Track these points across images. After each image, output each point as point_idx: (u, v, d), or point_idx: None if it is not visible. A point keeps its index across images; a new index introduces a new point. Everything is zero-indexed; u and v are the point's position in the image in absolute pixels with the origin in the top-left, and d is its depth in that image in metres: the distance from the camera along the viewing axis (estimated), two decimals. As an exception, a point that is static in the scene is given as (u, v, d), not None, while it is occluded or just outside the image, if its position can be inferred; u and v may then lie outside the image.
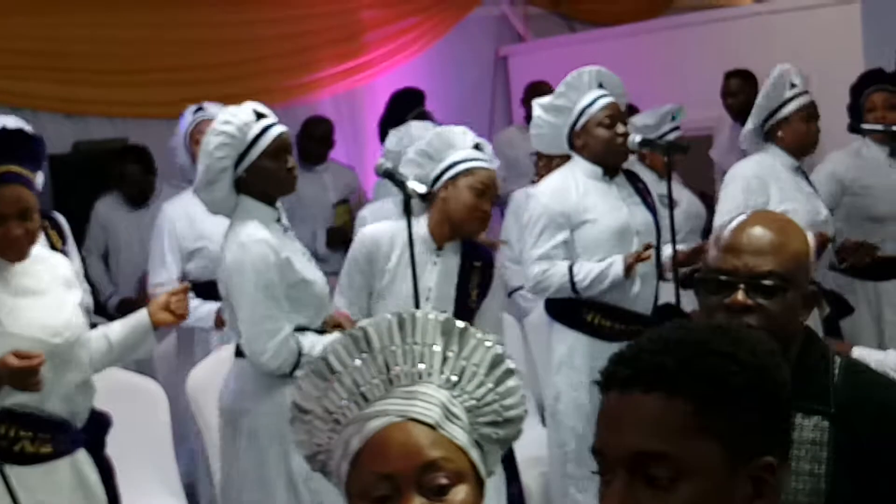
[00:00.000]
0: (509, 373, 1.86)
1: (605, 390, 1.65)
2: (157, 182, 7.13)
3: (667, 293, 4.92)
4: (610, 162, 4.84)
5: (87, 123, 7.83)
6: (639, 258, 4.69)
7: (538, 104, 4.96)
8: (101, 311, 6.75)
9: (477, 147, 4.42)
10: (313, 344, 4.13)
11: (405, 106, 7.53)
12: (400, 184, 4.15)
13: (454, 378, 1.83)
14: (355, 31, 9.10)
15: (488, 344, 1.86)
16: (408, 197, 4.10)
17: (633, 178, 5.00)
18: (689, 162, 6.76)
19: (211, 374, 4.76)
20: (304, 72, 8.80)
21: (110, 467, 3.93)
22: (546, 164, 6.31)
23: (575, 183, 4.83)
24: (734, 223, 2.46)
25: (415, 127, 5.36)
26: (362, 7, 9.13)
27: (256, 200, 4.17)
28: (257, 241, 4.10)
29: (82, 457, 3.83)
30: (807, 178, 5.49)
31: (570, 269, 4.76)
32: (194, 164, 5.36)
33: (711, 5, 9.99)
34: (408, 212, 4.10)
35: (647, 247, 4.72)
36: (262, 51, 8.54)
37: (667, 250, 4.85)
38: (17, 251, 3.69)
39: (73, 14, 7.65)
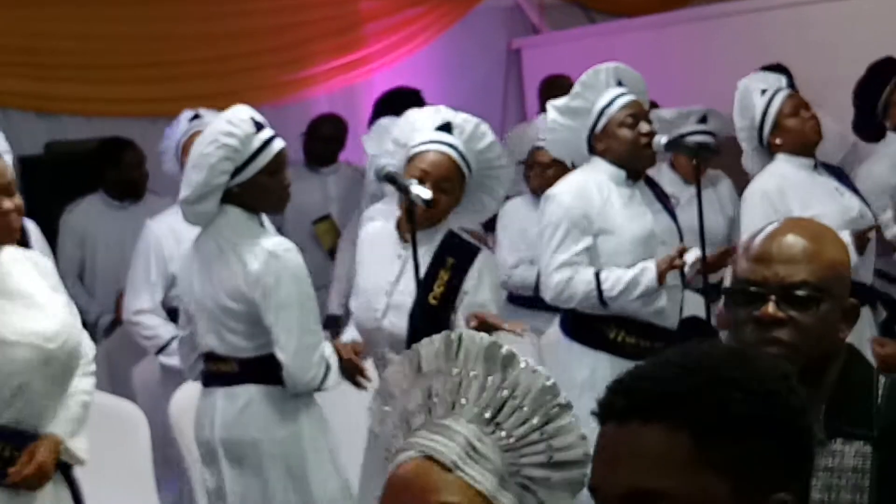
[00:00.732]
0: (561, 409, 1.84)
1: (601, 422, 1.64)
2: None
3: (692, 305, 4.91)
4: (636, 165, 4.82)
5: (61, 122, 7.82)
6: (672, 264, 4.67)
7: (553, 106, 4.95)
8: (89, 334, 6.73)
9: (445, 128, 4.41)
10: (330, 354, 4.26)
11: (397, 110, 7.45)
12: (404, 189, 4.15)
13: (488, 414, 1.80)
14: (353, 22, 9.08)
15: (536, 374, 1.83)
16: (411, 203, 4.10)
17: (650, 183, 4.98)
18: (719, 166, 6.77)
19: (198, 397, 4.75)
20: (298, 67, 8.79)
21: (78, 490, 3.92)
22: (539, 173, 6.30)
23: (597, 186, 4.80)
24: (765, 231, 2.46)
25: (385, 122, 5.39)
26: (361, -3, 9.14)
27: (244, 211, 4.24)
28: (288, 249, 4.19)
29: (58, 477, 3.83)
30: (834, 174, 5.48)
31: (597, 276, 4.73)
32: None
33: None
34: (412, 220, 4.11)
35: (682, 251, 4.70)
36: (251, 45, 8.52)
37: (689, 256, 4.82)
38: (8, 229, 3.66)
39: (47, 6, 7.64)
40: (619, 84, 4.86)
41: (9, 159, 5.07)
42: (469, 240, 4.48)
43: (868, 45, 7.18)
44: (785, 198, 5.27)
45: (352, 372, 4.28)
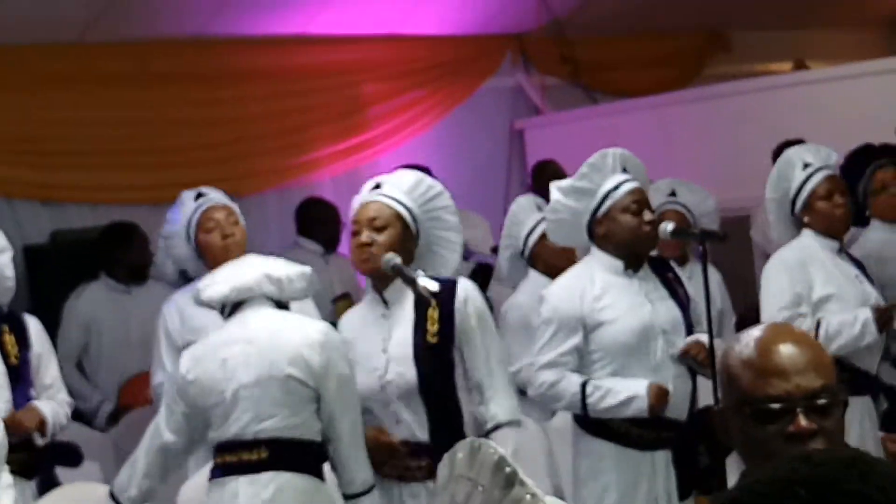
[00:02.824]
0: None
1: None
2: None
3: (706, 394, 4.89)
4: (635, 251, 4.81)
5: (65, 211, 7.84)
6: (664, 398, 4.66)
7: (556, 187, 4.94)
8: (88, 423, 6.74)
9: (377, 186, 4.48)
10: None
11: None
12: (410, 281, 4.17)
13: None
14: (356, 106, 9.14)
15: (534, 500, 1.80)
16: (419, 295, 4.13)
17: (663, 268, 4.97)
18: (725, 245, 6.79)
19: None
20: (301, 151, 8.84)
21: None
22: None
23: (591, 280, 4.80)
24: (758, 342, 2.42)
25: None
26: (363, 80, 9.18)
27: None
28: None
29: None
30: (854, 261, 5.50)
31: (583, 387, 4.74)
32: (199, 255, 5.44)
33: (745, 74, 10.08)
34: (425, 304, 4.14)
35: (692, 349, 4.73)
36: (255, 130, 8.58)
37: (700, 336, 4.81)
38: None
39: (49, 93, 7.70)
40: (624, 170, 4.87)
41: (7, 257, 5.12)
42: (440, 276, 4.48)
43: (878, 124, 7.24)
44: (806, 272, 5.26)
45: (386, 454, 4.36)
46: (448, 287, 4.38)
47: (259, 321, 4.31)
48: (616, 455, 4.72)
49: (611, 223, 4.78)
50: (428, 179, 4.55)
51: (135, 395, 6.79)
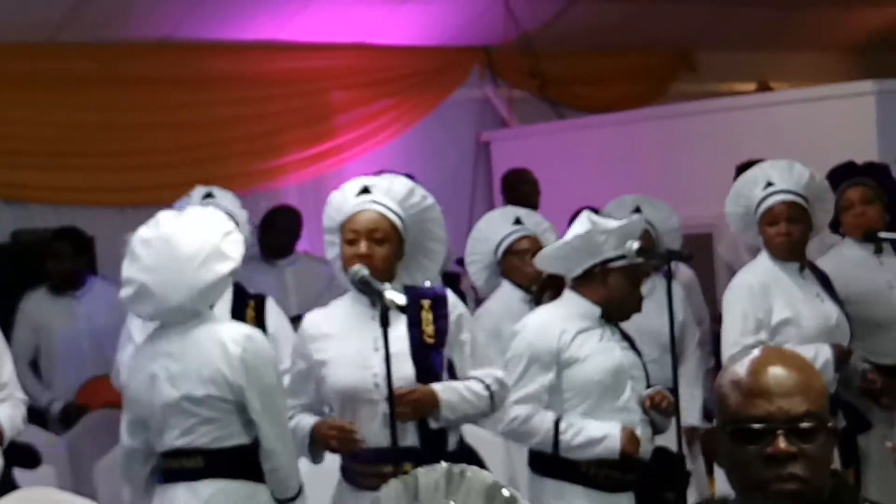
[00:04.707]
0: None
1: None
2: (94, 269, 7.07)
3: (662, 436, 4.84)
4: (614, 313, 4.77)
5: (28, 211, 7.76)
6: (635, 442, 4.60)
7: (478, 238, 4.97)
8: (41, 421, 6.64)
9: (364, 191, 4.38)
10: None
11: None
12: (377, 294, 4.09)
13: None
14: (324, 113, 9.08)
15: None
16: (385, 308, 4.04)
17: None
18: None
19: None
20: (269, 156, 8.77)
21: None
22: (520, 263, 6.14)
23: (564, 321, 4.72)
24: (750, 364, 2.40)
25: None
26: (332, 88, 9.13)
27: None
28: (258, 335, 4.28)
29: None
30: (819, 277, 5.44)
31: (557, 423, 4.66)
32: None
33: (710, 94, 10.06)
34: (384, 323, 4.04)
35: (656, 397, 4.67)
36: (222, 134, 8.51)
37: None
38: None
39: (17, 92, 7.60)
40: (637, 210, 4.80)
41: None
42: (431, 284, 4.46)
43: (839, 147, 7.22)
44: (768, 295, 5.22)
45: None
46: (440, 295, 4.39)
47: (180, 334, 4.23)
48: (587, 497, 4.65)
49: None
50: (420, 189, 4.48)
51: (91, 398, 6.69)
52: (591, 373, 4.64)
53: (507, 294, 5.98)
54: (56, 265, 6.98)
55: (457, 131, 9.94)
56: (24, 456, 5.29)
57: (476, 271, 6.17)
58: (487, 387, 4.35)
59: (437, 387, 4.28)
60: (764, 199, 5.28)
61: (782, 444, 2.31)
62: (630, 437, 4.61)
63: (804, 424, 2.33)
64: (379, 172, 4.70)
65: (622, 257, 4.68)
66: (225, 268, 4.17)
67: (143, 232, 4.25)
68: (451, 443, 4.40)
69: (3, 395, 5.05)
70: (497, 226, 6.09)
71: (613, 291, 4.69)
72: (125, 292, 4.26)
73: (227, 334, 4.19)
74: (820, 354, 5.10)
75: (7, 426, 4.95)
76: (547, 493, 4.72)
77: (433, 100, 9.70)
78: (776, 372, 2.36)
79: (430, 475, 1.84)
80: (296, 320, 7.44)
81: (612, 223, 4.73)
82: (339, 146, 9.13)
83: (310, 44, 8.89)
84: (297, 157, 8.89)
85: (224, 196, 5.63)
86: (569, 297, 4.76)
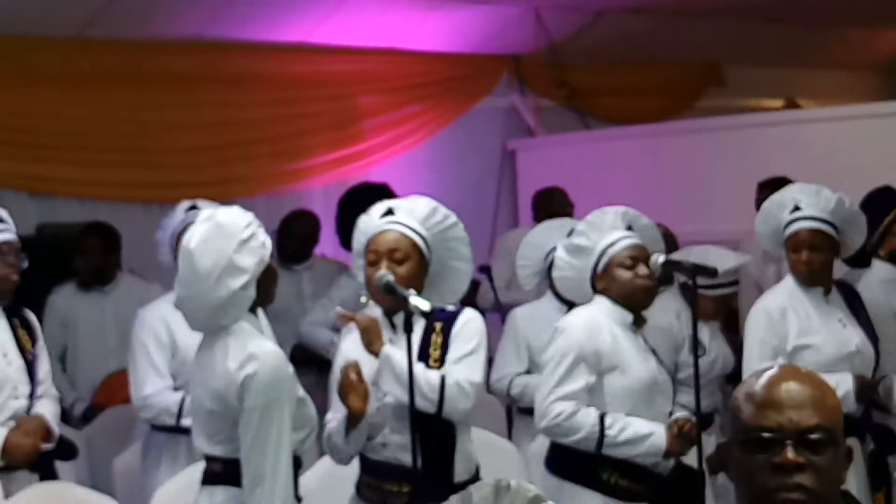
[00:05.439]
0: None
1: None
2: (120, 265, 7.06)
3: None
4: (631, 306, 4.75)
5: (53, 204, 7.74)
6: (678, 443, 4.60)
7: (561, 244, 4.95)
8: (63, 417, 6.63)
9: (388, 213, 4.39)
10: None
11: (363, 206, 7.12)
12: (402, 300, 4.09)
13: None
14: (352, 116, 9.08)
15: None
16: (409, 314, 4.03)
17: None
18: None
19: (182, 493, 4.62)
20: (295, 158, 8.77)
21: None
22: None
23: (607, 324, 4.73)
24: (764, 378, 2.45)
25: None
26: (361, 92, 9.12)
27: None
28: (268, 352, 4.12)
29: None
30: (847, 303, 5.41)
31: (602, 418, 4.65)
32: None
33: (737, 108, 10.05)
34: (408, 329, 4.04)
35: (684, 424, 4.65)
36: (249, 134, 8.50)
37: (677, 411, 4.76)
38: None
39: (45, 87, 7.59)
40: (629, 228, 4.82)
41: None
42: (450, 308, 4.43)
43: (867, 167, 7.19)
44: (784, 321, 5.20)
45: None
46: (452, 317, 4.38)
47: (208, 343, 4.18)
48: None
49: (608, 279, 4.75)
50: (442, 208, 4.48)
51: (112, 394, 6.68)
52: (629, 383, 4.65)
53: (546, 303, 5.99)
54: (85, 261, 6.97)
55: (483, 139, 9.94)
56: (65, 449, 5.31)
57: (525, 276, 6.14)
58: (443, 381, 4.25)
59: (390, 349, 4.25)
60: (790, 222, 5.25)
61: (790, 454, 2.34)
62: (676, 437, 4.61)
63: (814, 436, 2.36)
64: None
65: (601, 257, 4.72)
66: (237, 283, 4.04)
67: (186, 234, 4.17)
68: (459, 471, 4.35)
69: (40, 391, 5.11)
70: (551, 234, 6.07)
71: (617, 287, 4.72)
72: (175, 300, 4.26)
73: (233, 352, 4.08)
74: (841, 385, 5.05)
75: (54, 424, 5.04)
76: (563, 496, 4.70)
77: (461, 106, 9.71)
78: (789, 386, 2.41)
79: (482, 490, 1.93)
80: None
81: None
82: (365, 150, 9.13)
83: (339, 47, 8.89)
84: (323, 160, 8.88)
85: (208, 207, 5.60)
86: (599, 302, 4.77)
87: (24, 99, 7.54)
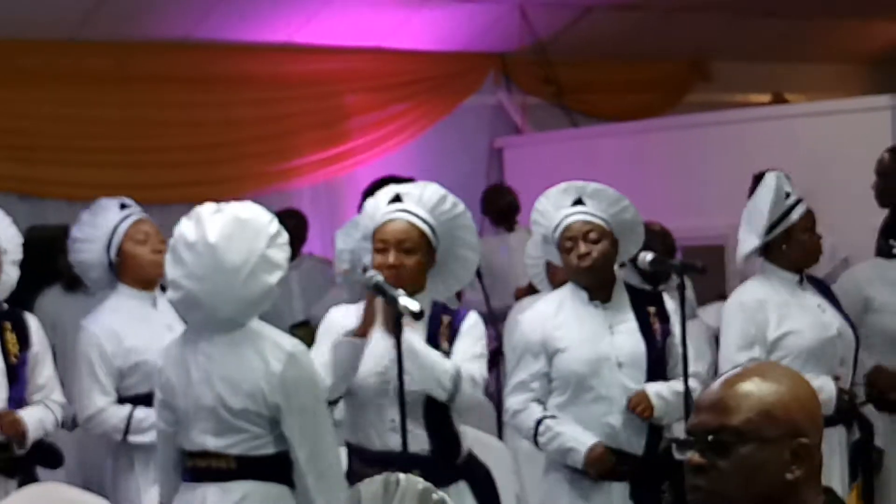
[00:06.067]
0: None
1: None
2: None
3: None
4: (580, 284, 4.73)
5: (43, 207, 7.74)
6: (603, 461, 4.58)
7: (530, 241, 4.99)
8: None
9: (396, 199, 4.38)
10: None
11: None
12: (391, 300, 4.08)
13: None
14: (338, 116, 9.09)
15: None
16: (398, 314, 4.03)
17: (648, 301, 4.83)
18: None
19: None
20: (282, 158, 8.77)
21: None
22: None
23: (559, 307, 4.73)
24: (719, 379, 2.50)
25: (358, 217, 5.33)
26: (348, 91, 9.13)
27: None
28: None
29: None
30: (819, 288, 5.42)
31: (538, 425, 4.67)
32: (112, 266, 5.34)
33: (724, 104, 10.04)
34: (397, 331, 4.05)
35: (634, 407, 4.62)
36: (236, 134, 8.51)
37: (652, 386, 4.72)
38: None
39: (34, 88, 7.60)
40: (579, 202, 4.72)
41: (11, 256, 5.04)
42: (454, 308, 4.50)
43: (854, 161, 7.20)
44: (763, 310, 5.20)
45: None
46: (460, 314, 4.46)
47: (225, 339, 4.12)
48: (570, 483, 4.66)
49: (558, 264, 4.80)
50: (451, 196, 4.48)
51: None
52: (569, 363, 4.66)
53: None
54: (65, 265, 6.94)
55: (470, 137, 9.93)
56: (48, 455, 5.27)
57: (535, 275, 6.14)
58: (458, 373, 4.32)
59: (412, 335, 4.29)
60: (794, 207, 5.27)
61: (693, 455, 2.42)
62: (599, 454, 4.60)
63: (714, 438, 2.40)
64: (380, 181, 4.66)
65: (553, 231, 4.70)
66: (273, 278, 4.03)
67: (187, 231, 4.05)
68: (462, 452, 4.41)
69: (38, 396, 5.07)
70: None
71: (563, 270, 4.76)
72: (173, 296, 4.14)
73: (270, 350, 4.07)
74: (824, 389, 5.04)
75: (31, 427, 4.96)
76: (544, 475, 4.81)
77: (447, 105, 9.71)
78: (709, 388, 2.47)
79: (371, 486, 1.94)
80: (300, 326, 7.51)
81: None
82: (352, 149, 9.13)
83: (325, 47, 8.89)
84: (310, 160, 8.89)
85: (138, 208, 5.58)
86: (565, 286, 4.81)
87: (13, 101, 7.56)
